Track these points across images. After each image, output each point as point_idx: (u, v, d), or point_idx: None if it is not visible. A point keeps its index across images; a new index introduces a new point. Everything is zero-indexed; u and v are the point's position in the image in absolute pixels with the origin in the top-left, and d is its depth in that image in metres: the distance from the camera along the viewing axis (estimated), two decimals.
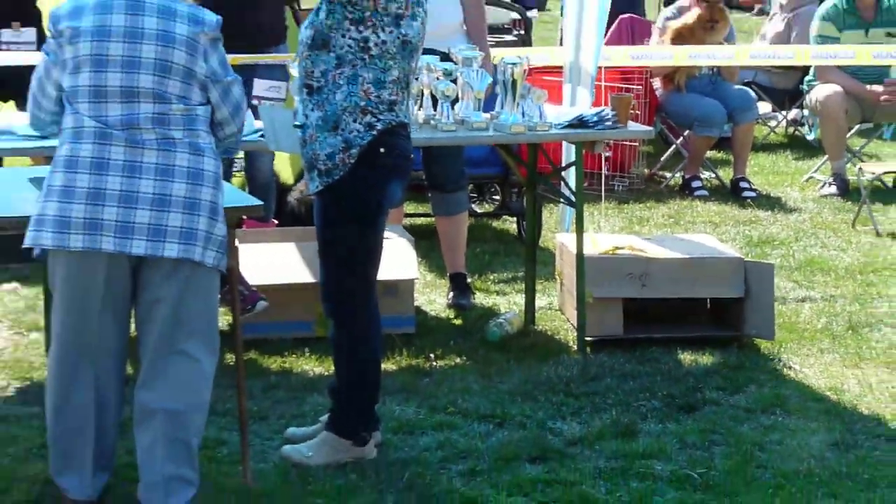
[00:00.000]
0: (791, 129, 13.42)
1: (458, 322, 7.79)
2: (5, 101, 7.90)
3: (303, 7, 8.84)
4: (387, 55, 5.58)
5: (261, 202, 6.55)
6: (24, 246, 4.88)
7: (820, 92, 10.90)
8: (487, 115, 7.03)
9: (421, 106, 7.00)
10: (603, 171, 9.70)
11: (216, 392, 5.28)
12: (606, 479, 5.39)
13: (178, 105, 4.89)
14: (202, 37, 4.91)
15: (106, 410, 5.03)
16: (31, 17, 9.22)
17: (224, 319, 6.71)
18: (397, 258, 7.30)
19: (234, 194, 5.91)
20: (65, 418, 5.02)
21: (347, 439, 5.63)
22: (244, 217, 6.28)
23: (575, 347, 7.13)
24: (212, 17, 5.02)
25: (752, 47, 12.85)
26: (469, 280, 8.12)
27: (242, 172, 8.86)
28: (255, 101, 6.92)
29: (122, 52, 4.79)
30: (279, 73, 7.88)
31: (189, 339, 4.96)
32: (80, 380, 4.96)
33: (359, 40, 5.51)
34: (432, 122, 6.91)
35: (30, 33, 9.06)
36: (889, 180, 10.87)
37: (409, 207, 9.39)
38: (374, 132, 5.53)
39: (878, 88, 10.86)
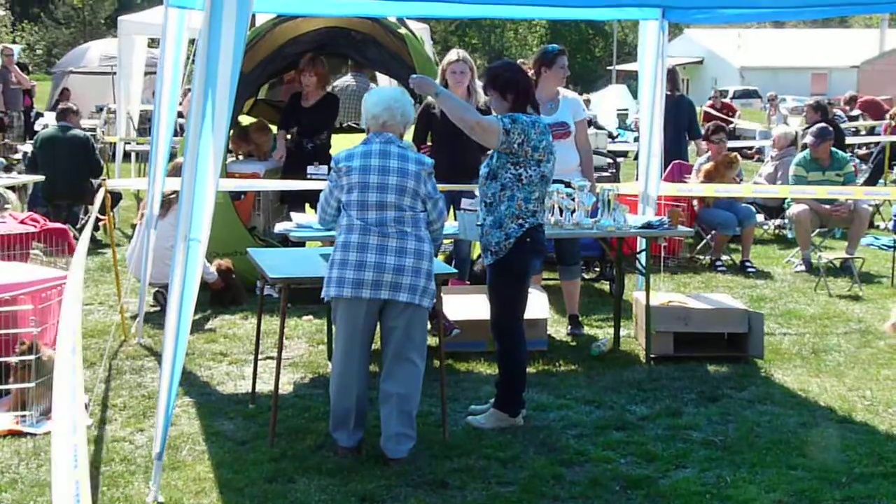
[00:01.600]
0: (777, 231, 15.12)
1: (573, 344, 9.07)
2: (313, 208, 8.39)
3: None
4: (532, 184, 6.75)
5: (456, 270, 8.11)
6: (321, 295, 6.19)
7: (795, 209, 12.71)
8: (592, 220, 8.33)
9: (553, 214, 8.19)
10: (662, 255, 11.32)
11: (427, 382, 6.61)
12: (662, 442, 6.67)
13: (409, 212, 6.13)
14: (423, 172, 6.17)
15: (363, 392, 6.24)
16: (327, 158, 10.02)
17: (432, 339, 7.64)
18: (536, 304, 8.45)
19: (441, 266, 7.13)
20: (340, 396, 6.23)
21: (506, 413, 6.87)
22: (448, 279, 7.46)
23: (644, 361, 8.54)
24: (429, 160, 6.27)
25: (754, 185, 13.99)
26: (580, 318, 9.43)
27: (445, 251, 9.65)
28: (460, 211, 7.72)
29: (377, 180, 6.06)
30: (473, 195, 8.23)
31: (412, 351, 6.19)
32: (349, 373, 6.19)
33: (515, 175, 6.71)
34: (559, 223, 8.23)
35: (324, 168, 9.90)
36: (837, 262, 12.04)
37: (546, 274, 10.41)
38: (523, 229, 6.74)
39: (828, 207, 12.52)
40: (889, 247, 12.94)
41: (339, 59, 12.51)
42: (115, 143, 15.57)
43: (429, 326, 6.65)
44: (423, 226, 6.23)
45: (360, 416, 6.28)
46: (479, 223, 6.97)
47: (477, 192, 7.25)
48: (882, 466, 6.35)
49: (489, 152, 6.99)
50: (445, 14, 11.29)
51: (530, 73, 8.61)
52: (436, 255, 6.86)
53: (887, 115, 23.46)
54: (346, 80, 13.05)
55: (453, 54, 9.50)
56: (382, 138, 6.17)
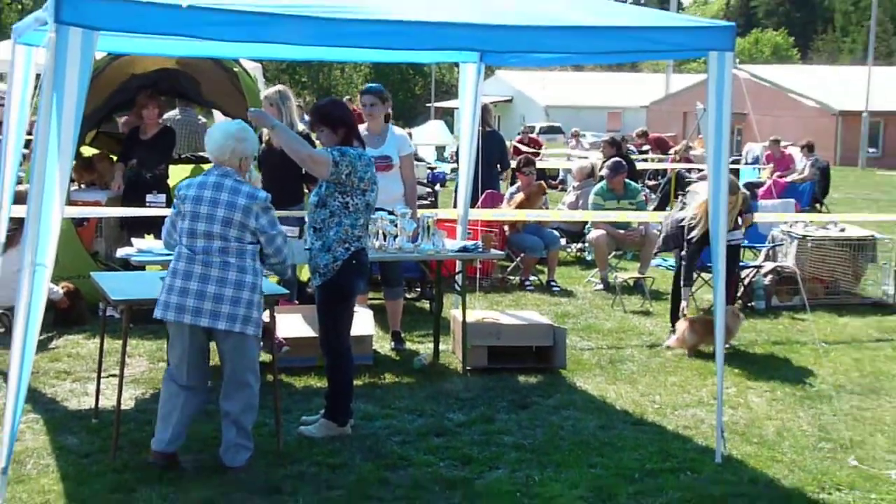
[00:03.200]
0: (578, 254, 15.40)
1: (397, 358, 9.09)
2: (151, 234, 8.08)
3: None
4: (358, 211, 6.77)
5: (287, 291, 7.89)
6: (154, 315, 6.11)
7: (593, 234, 13.22)
8: (413, 245, 8.38)
9: (377, 239, 8.23)
10: (477, 276, 11.39)
11: (262, 395, 6.50)
12: (478, 446, 6.75)
13: (235, 243, 6.01)
14: (254, 206, 6.00)
15: (189, 405, 6.17)
16: (165, 187, 10.45)
17: (266, 356, 7.68)
18: (362, 322, 8.44)
19: (271, 287, 6.98)
20: (163, 405, 6.19)
21: (335, 423, 6.87)
22: (279, 299, 7.33)
23: (461, 373, 8.60)
24: (262, 195, 6.10)
25: (560, 212, 14.69)
26: (402, 335, 9.45)
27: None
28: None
29: (206, 211, 5.96)
30: (295, 221, 8.63)
31: (245, 373, 6.16)
32: (173, 388, 6.17)
33: (342, 203, 6.72)
34: (383, 247, 8.30)
35: (163, 196, 10.13)
36: (630, 282, 12.28)
37: (371, 294, 10.33)
38: (350, 252, 6.76)
39: (622, 232, 13.05)
40: (674, 267, 13.23)
41: (172, 96, 12.42)
42: None
43: (261, 344, 6.61)
44: (248, 258, 6.11)
45: (180, 428, 6.20)
46: (307, 247, 6.95)
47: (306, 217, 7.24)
48: (669, 462, 6.57)
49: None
50: (276, 56, 11.30)
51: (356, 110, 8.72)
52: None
53: (672, 150, 24.29)
54: (174, 113, 12.94)
55: (272, 90, 9.43)
56: (219, 171, 6.10)
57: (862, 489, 6.24)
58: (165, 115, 12.15)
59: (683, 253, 9.89)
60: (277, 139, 7.24)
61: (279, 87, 9.51)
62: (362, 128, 8.96)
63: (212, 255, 6.00)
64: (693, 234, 9.68)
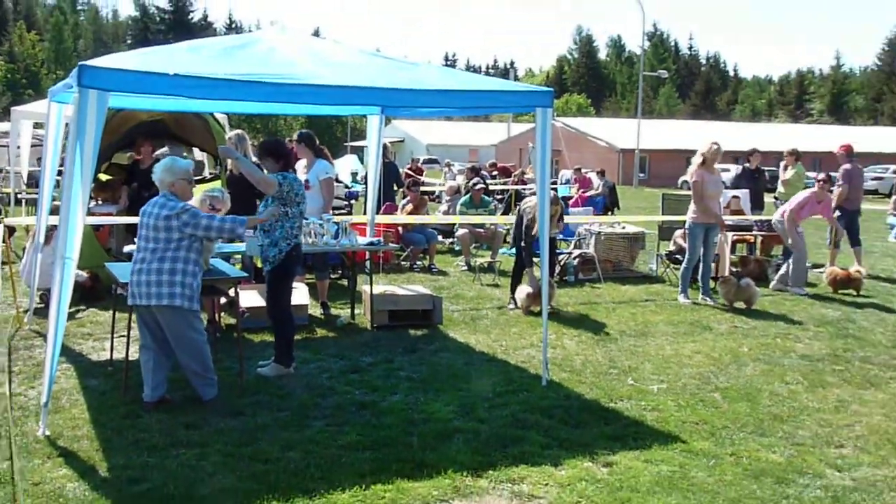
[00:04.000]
0: (450, 245, 14.95)
1: (325, 320, 8.79)
2: None
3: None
4: (295, 217, 6.68)
5: (247, 274, 7.86)
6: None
7: (460, 232, 13.28)
8: (335, 241, 8.29)
9: (311, 237, 8.09)
10: (380, 262, 11.31)
11: (229, 349, 6.74)
12: (382, 379, 6.57)
13: (163, 244, 5.68)
14: (172, 214, 5.68)
15: (159, 363, 5.86)
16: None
17: (232, 320, 7.67)
18: (300, 295, 8.42)
19: (236, 271, 6.94)
20: (143, 367, 5.88)
21: (282, 365, 6.77)
22: (241, 280, 7.10)
23: (370, 329, 8.43)
24: (179, 205, 5.71)
25: (437, 216, 14.83)
26: (329, 303, 9.19)
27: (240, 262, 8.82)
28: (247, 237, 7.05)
29: (146, 221, 5.75)
30: None
31: (183, 332, 5.73)
32: (146, 353, 5.87)
33: (284, 212, 6.60)
34: (315, 243, 8.14)
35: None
36: (486, 264, 12.32)
37: (307, 276, 9.53)
38: (290, 246, 6.68)
39: (480, 230, 13.10)
40: (514, 254, 13.30)
41: (162, 138, 12.10)
42: (9, 193, 14.95)
43: (198, 311, 6.02)
44: (182, 251, 5.72)
45: (157, 380, 5.87)
46: (259, 244, 6.81)
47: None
48: (511, 386, 6.60)
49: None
50: (238, 110, 11.20)
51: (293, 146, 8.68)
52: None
53: (513, 175, 24.57)
54: (164, 150, 12.55)
55: (233, 133, 9.16)
56: (160, 194, 5.89)
57: (636, 399, 6.36)
58: (157, 152, 11.94)
59: (523, 244, 9.87)
60: (240, 167, 6.93)
61: (238, 131, 9.27)
62: (302, 163, 8.94)
63: (149, 252, 5.73)
64: (533, 232, 9.74)
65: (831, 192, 12.19)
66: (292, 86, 5.90)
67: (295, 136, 9.27)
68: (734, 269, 11.75)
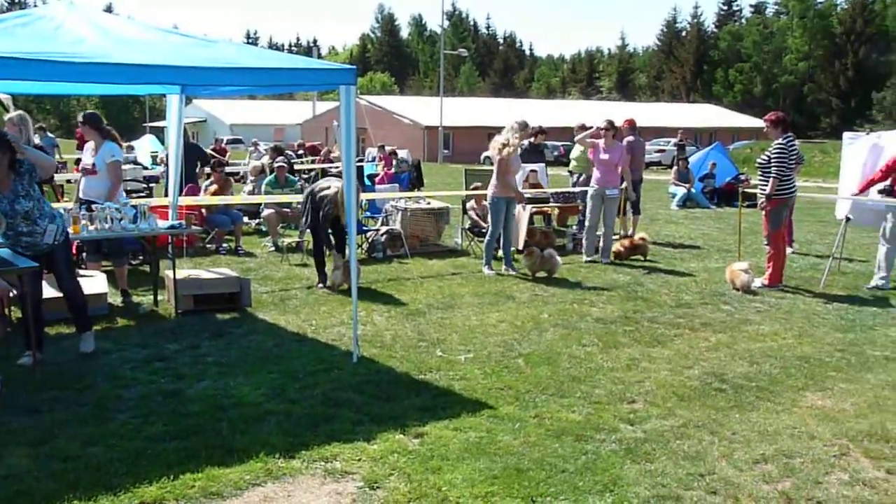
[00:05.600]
0: (257, 226, 14.54)
1: (126, 308, 8.42)
2: None
3: None
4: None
5: (36, 264, 6.84)
6: None
7: (266, 212, 12.62)
8: (134, 225, 7.89)
9: (108, 222, 7.74)
10: (184, 245, 10.92)
11: (19, 345, 6.33)
12: (189, 366, 6.41)
13: None
14: None
15: None
16: None
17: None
18: (98, 283, 8.17)
19: (21, 261, 6.16)
20: None
21: (88, 330, 6.74)
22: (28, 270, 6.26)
23: (175, 315, 8.11)
24: None
25: (242, 197, 14.54)
26: (130, 290, 8.76)
27: None
28: None
29: None
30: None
31: None
32: None
33: (39, 191, 6.39)
34: (112, 228, 7.79)
35: None
36: (293, 244, 11.98)
37: (104, 263, 9.26)
38: (63, 220, 6.52)
39: (286, 210, 12.31)
40: None
41: None
42: None
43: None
44: None
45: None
46: (42, 229, 6.46)
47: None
48: (322, 365, 6.54)
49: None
50: (23, 90, 10.31)
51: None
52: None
53: (320, 154, 24.36)
54: None
55: (14, 114, 8.73)
56: None
57: (445, 370, 6.49)
58: None
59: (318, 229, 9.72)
60: (28, 155, 6.48)
61: (19, 112, 8.76)
62: (89, 145, 8.53)
63: None
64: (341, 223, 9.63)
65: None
66: (81, 64, 5.55)
67: (80, 118, 8.76)
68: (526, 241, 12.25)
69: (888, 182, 9.85)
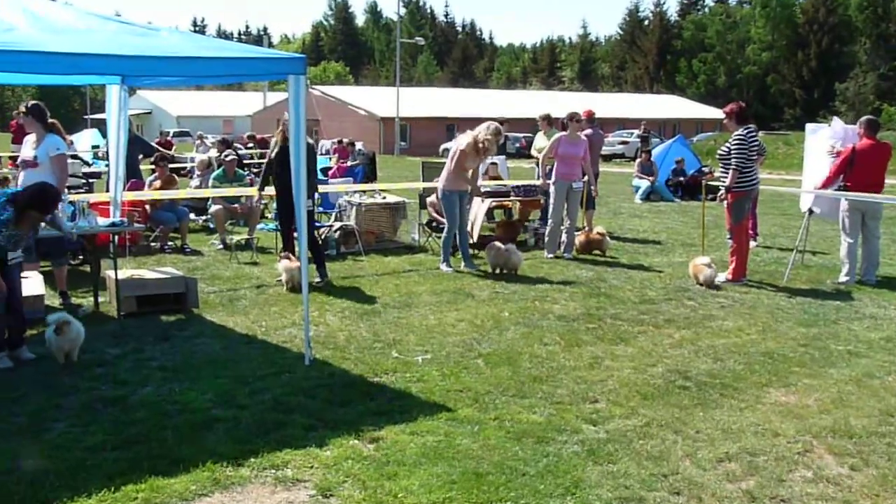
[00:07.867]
0: (204, 223, 14.36)
1: (63, 310, 7.62)
2: None
3: None
4: None
5: None
6: None
7: (214, 207, 12.48)
8: (72, 223, 7.67)
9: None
10: (126, 244, 10.87)
11: None
12: (131, 371, 6.31)
13: None
14: None
15: None
16: None
17: None
18: (34, 285, 8.02)
19: None
20: None
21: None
22: None
23: (117, 317, 7.93)
24: None
25: (188, 191, 14.42)
26: (69, 292, 8.64)
27: None
28: None
29: None
30: None
31: None
32: None
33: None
34: (47, 227, 7.25)
35: None
36: (243, 241, 12.13)
37: (42, 263, 9.07)
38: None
39: (235, 206, 12.68)
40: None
41: None
42: None
43: None
44: None
45: None
46: None
47: None
48: (273, 368, 6.48)
49: None
50: None
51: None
52: None
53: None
54: None
55: None
56: None
57: (401, 372, 6.45)
58: None
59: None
60: None
61: None
62: (31, 137, 8.37)
63: None
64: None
65: None
66: (11, 53, 5.40)
67: (22, 108, 8.59)
68: (485, 235, 12.32)
69: (841, 179, 10.04)
